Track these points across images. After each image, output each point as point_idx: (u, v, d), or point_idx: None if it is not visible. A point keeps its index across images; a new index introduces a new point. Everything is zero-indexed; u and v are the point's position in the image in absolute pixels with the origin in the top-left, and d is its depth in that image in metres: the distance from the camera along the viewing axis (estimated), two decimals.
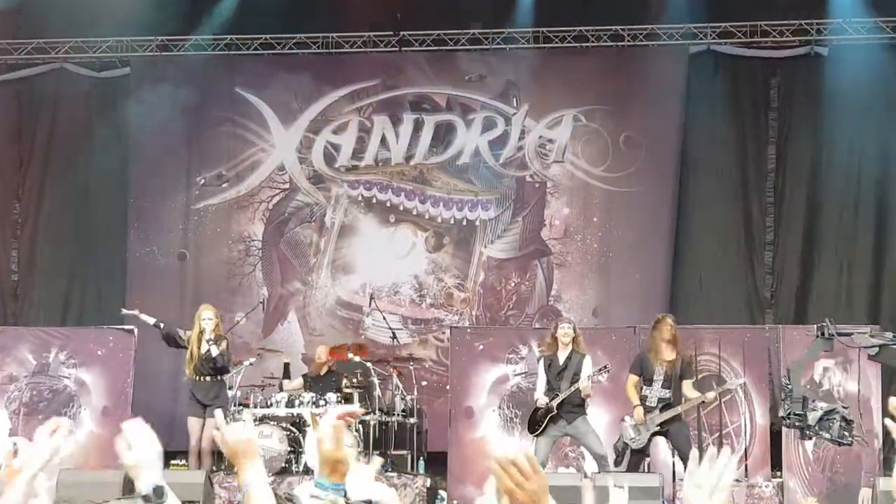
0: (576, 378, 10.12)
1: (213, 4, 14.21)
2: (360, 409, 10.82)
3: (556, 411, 10.17)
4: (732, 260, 13.85)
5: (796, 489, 10.74)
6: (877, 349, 9.77)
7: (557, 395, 10.18)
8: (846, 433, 9.67)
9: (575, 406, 10.18)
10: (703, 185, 14.00)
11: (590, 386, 10.18)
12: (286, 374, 12.58)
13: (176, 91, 14.28)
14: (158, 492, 2.63)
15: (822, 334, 9.72)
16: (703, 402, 10.51)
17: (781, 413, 10.06)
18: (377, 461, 4.68)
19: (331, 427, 2.83)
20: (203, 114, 14.82)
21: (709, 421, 11.54)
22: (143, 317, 11.61)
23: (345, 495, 2.81)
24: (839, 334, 9.64)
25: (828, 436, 9.71)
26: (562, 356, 10.38)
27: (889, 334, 9.85)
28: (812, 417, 9.56)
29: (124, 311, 12.02)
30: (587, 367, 10.22)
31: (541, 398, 10.31)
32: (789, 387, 9.66)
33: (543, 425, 10.26)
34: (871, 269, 13.18)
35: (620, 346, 11.50)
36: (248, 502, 2.81)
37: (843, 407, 9.88)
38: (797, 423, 9.79)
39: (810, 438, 10.11)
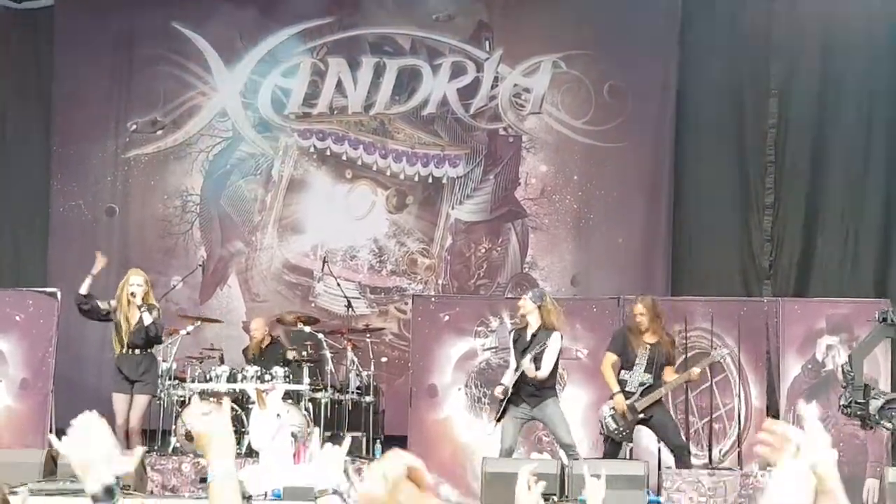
0: (540, 357, 10.26)
1: None
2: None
3: (511, 393, 10.37)
4: (727, 225, 13.91)
5: None
6: None
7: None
8: None
9: (539, 388, 10.33)
10: (696, 141, 14.03)
11: (532, 368, 10.31)
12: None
13: (104, 25, 14.29)
14: (109, 491, 2.75)
15: (885, 320, 9.96)
16: (689, 379, 10.67)
17: (843, 402, 10.13)
18: (347, 442, 4.50)
19: (391, 476, 2.56)
20: (135, 52, 14.69)
21: (699, 403, 11.63)
22: (88, 281, 11.74)
23: None
24: None
25: (890, 426, 9.94)
26: (529, 332, 10.52)
27: None
28: (874, 406, 9.78)
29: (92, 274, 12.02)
30: (553, 345, 10.40)
31: (505, 379, 10.55)
32: (851, 374, 9.81)
33: (502, 409, 10.46)
34: (880, 236, 13.21)
35: (602, 320, 11.60)
36: (212, 493, 2.95)
37: None
38: (858, 413, 9.96)
39: (871, 429, 10.26)
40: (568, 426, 10.41)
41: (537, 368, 10.24)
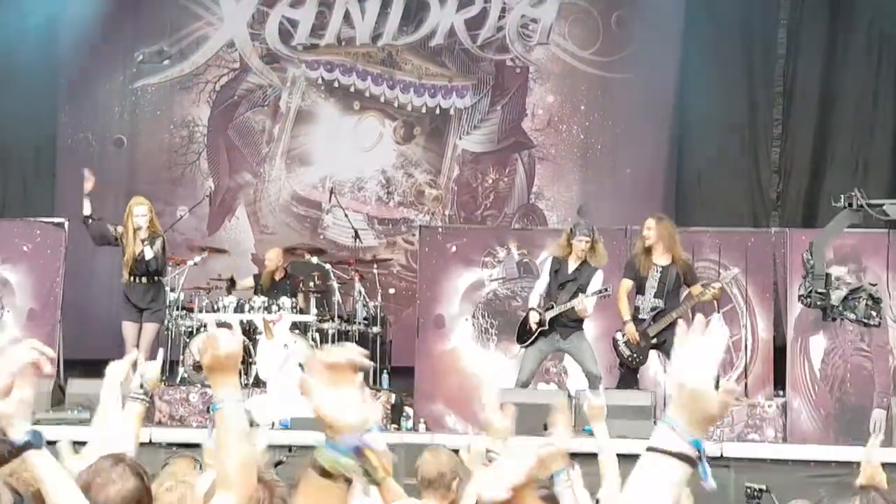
0: (579, 293, 10.19)
1: None
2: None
3: (547, 326, 10.29)
4: (735, 156, 13.93)
5: (801, 409, 10.95)
6: None
7: (553, 307, 10.16)
8: (873, 313, 9.83)
9: (571, 320, 10.27)
10: (704, 72, 13.92)
11: (587, 308, 10.31)
12: (232, 285, 12.92)
13: None
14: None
15: (850, 205, 9.70)
16: (699, 300, 10.67)
17: (801, 291, 9.95)
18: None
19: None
20: None
21: None
22: (86, 202, 11.58)
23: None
24: (869, 205, 9.62)
25: (853, 316, 9.76)
26: (572, 264, 10.36)
27: None
28: (836, 297, 9.62)
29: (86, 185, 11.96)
30: (595, 284, 10.30)
31: (533, 306, 10.47)
32: (811, 262, 9.63)
33: (533, 338, 10.33)
34: (889, 168, 13.11)
35: (610, 250, 11.27)
36: (220, 422, 2.91)
37: (871, 284, 10.02)
38: (819, 303, 9.77)
39: (834, 319, 10.11)
40: (595, 357, 10.45)
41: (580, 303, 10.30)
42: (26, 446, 2.70)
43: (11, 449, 2.70)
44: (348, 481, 2.17)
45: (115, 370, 4.35)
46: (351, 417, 2.15)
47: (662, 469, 1.97)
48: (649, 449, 1.98)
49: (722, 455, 8.93)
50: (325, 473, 2.13)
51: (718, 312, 11.24)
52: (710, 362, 1.99)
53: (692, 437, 1.95)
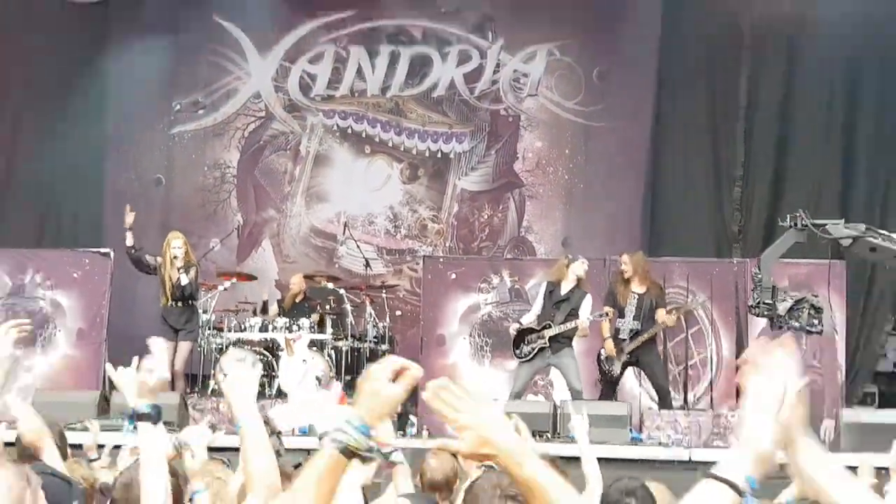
0: (572, 313, 10.33)
1: None
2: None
3: (548, 344, 10.42)
4: (702, 194, 13.89)
5: None
6: (850, 240, 9.61)
7: (550, 326, 10.33)
8: (815, 321, 9.91)
9: (564, 337, 10.47)
10: (675, 120, 14.02)
11: (587, 326, 10.50)
12: (264, 309, 12.83)
13: (155, 16, 14.40)
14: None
15: (795, 224, 9.66)
16: (666, 325, 10.77)
17: (751, 302, 10.05)
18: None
19: None
20: (180, 40, 14.87)
21: (675, 352, 11.76)
22: (129, 235, 11.63)
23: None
24: (813, 224, 9.56)
25: (797, 324, 9.82)
26: (565, 287, 10.53)
27: (862, 226, 9.79)
28: (782, 307, 9.72)
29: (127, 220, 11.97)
30: (586, 305, 10.45)
31: (529, 322, 10.59)
32: (759, 276, 9.69)
33: (533, 355, 10.49)
34: (838, 203, 13.10)
35: (590, 278, 11.44)
36: (242, 439, 3.05)
37: (813, 296, 10.04)
38: (766, 313, 9.88)
39: (780, 328, 10.04)
40: (579, 373, 10.56)
41: (568, 321, 10.52)
42: (145, 417, 2.94)
43: (132, 414, 2.96)
44: (360, 459, 2.20)
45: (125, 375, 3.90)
46: (387, 414, 2.24)
47: (714, 492, 2.05)
48: (709, 475, 2.05)
49: (690, 459, 9.02)
50: (344, 451, 2.15)
51: (687, 333, 11.50)
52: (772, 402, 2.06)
53: (748, 475, 2.03)
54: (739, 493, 2.01)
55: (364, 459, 2.18)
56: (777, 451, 2.08)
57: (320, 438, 2.17)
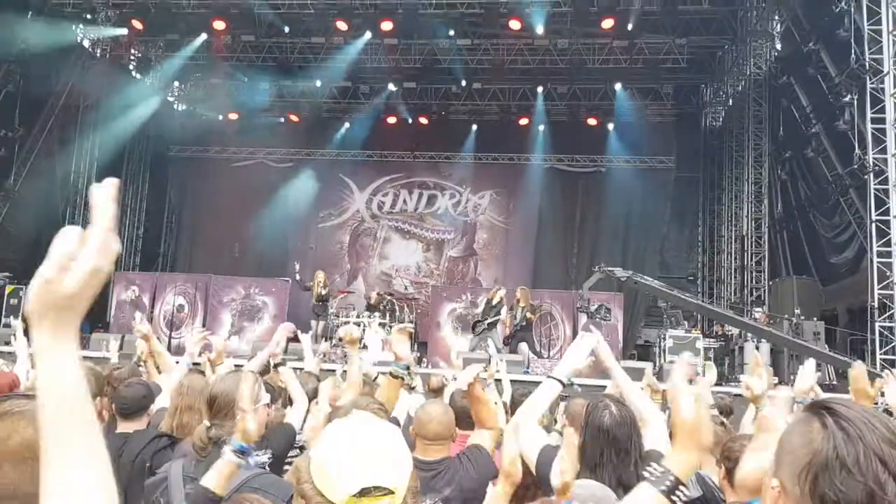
0: (497, 314, 12.65)
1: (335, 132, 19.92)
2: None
3: (486, 327, 12.62)
4: (559, 258, 19.37)
5: None
6: (625, 278, 11.68)
7: (486, 320, 12.63)
8: (608, 317, 12.58)
9: (492, 325, 12.63)
10: (544, 238, 19.37)
11: (501, 320, 12.71)
12: (368, 308, 15.51)
13: (313, 174, 19.68)
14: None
15: (599, 268, 11.92)
16: (534, 319, 13.06)
17: (578, 306, 12.30)
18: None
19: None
20: (323, 185, 19.99)
21: (545, 333, 14.58)
22: (297, 272, 14.96)
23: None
24: (607, 270, 11.89)
25: (599, 318, 12.03)
26: (495, 301, 12.73)
27: (630, 272, 11.69)
28: (593, 309, 12.12)
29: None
30: (501, 314, 12.75)
31: (477, 318, 12.99)
32: (583, 296, 12.00)
33: (480, 332, 12.70)
34: (620, 263, 14.62)
35: (506, 297, 13.33)
36: (349, 365, 3.59)
37: (607, 305, 12.74)
38: (586, 312, 12.03)
39: (593, 319, 12.38)
40: (498, 342, 12.47)
41: (495, 318, 12.63)
42: (239, 453, 2.63)
43: (236, 449, 2.66)
44: (402, 381, 2.98)
45: (193, 336, 4.65)
46: (404, 354, 2.98)
47: (551, 385, 2.54)
48: (549, 376, 2.44)
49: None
50: (393, 376, 2.94)
51: (549, 324, 14.24)
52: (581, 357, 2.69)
53: (568, 375, 2.52)
54: (563, 384, 2.57)
55: (401, 379, 2.95)
56: (584, 367, 2.63)
57: (388, 371, 2.84)
